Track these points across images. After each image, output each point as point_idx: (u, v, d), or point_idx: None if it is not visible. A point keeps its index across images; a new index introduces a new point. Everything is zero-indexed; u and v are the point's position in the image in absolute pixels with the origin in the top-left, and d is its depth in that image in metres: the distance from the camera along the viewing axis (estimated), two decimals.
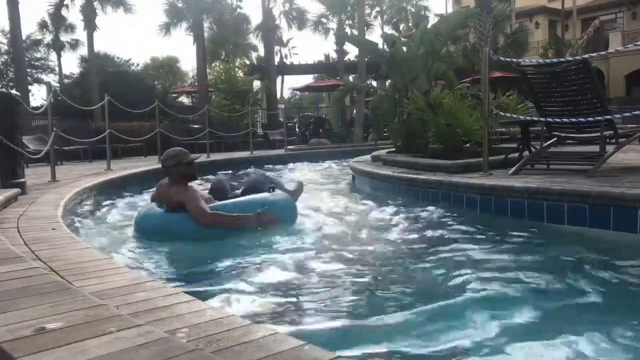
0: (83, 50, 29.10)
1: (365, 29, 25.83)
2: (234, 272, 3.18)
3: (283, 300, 2.62)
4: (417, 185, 5.43)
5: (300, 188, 5.35)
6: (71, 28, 30.53)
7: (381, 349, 2.00)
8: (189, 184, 4.26)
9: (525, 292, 2.60)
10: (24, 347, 1.28)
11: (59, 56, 31.55)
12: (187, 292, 1.92)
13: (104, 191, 6.42)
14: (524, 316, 2.28)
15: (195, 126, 17.10)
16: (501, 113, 5.72)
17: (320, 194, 6.83)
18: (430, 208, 4.92)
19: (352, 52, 30.36)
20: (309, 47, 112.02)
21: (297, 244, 3.85)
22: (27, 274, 2.01)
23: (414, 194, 5.45)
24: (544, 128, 5.31)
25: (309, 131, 18.91)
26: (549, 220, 3.94)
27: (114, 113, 9.71)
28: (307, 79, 40.46)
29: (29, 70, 26.72)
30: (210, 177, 7.44)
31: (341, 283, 2.91)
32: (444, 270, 3.06)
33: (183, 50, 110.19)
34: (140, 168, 8.72)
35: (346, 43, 26.37)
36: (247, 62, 27.63)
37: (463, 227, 4.16)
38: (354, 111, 19.76)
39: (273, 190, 4.52)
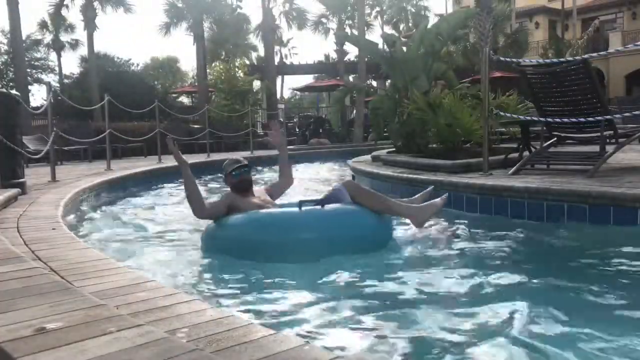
0: (83, 50, 29.22)
1: (365, 29, 25.81)
2: (234, 271, 3.17)
3: (284, 300, 2.61)
4: (417, 185, 5.42)
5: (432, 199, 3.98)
6: (71, 28, 30.61)
7: (382, 349, 1.99)
8: (258, 190, 3.98)
9: (525, 291, 2.60)
10: (24, 347, 1.28)
11: (59, 56, 31.62)
12: (186, 292, 1.92)
13: (104, 191, 6.42)
14: (524, 315, 2.28)
15: (196, 126, 17.11)
16: (501, 113, 5.71)
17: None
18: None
19: (352, 52, 30.43)
20: (309, 47, 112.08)
21: None
22: (27, 274, 2.01)
23: (414, 194, 5.44)
24: (544, 128, 5.30)
25: (309, 131, 18.90)
26: (549, 220, 3.94)
27: (114, 113, 9.70)
28: (307, 79, 40.41)
29: (29, 70, 26.74)
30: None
31: (342, 282, 2.91)
32: (444, 271, 3.07)
33: (183, 50, 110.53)
34: (140, 168, 8.72)
35: (346, 43, 26.42)
36: (247, 62, 27.66)
37: (462, 228, 4.16)
38: (354, 111, 19.75)
39: (322, 204, 3.48)
